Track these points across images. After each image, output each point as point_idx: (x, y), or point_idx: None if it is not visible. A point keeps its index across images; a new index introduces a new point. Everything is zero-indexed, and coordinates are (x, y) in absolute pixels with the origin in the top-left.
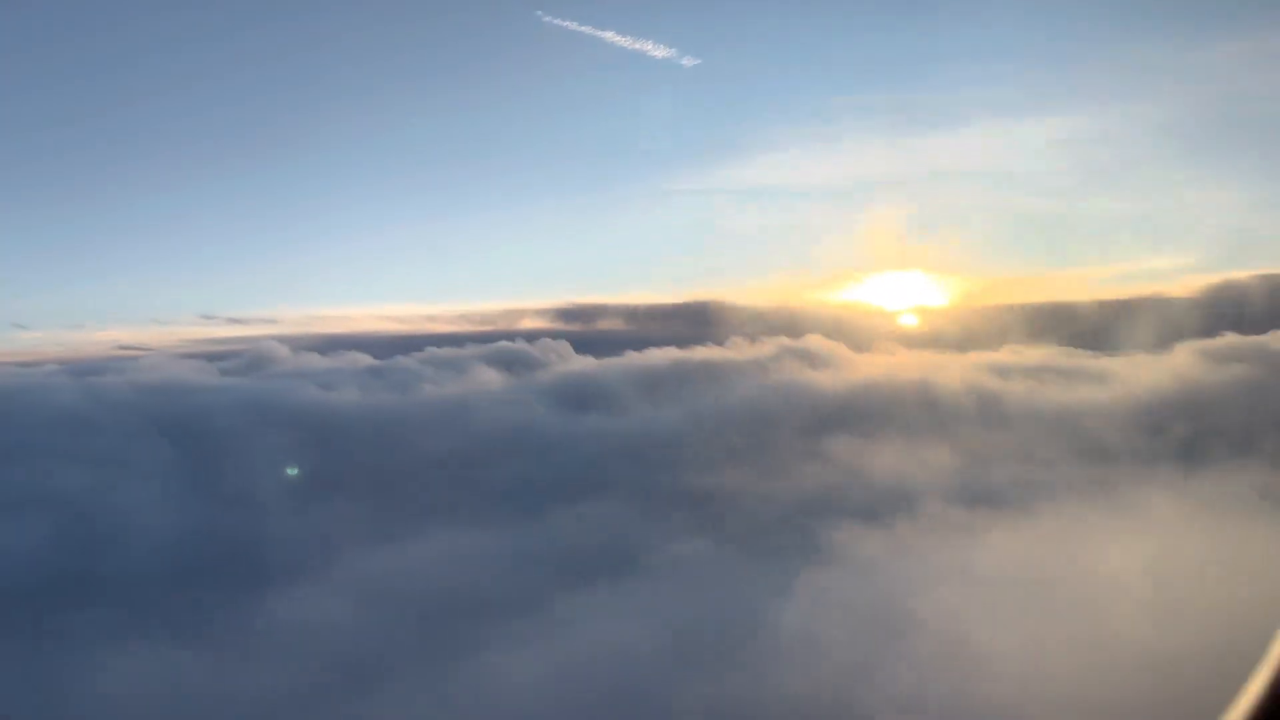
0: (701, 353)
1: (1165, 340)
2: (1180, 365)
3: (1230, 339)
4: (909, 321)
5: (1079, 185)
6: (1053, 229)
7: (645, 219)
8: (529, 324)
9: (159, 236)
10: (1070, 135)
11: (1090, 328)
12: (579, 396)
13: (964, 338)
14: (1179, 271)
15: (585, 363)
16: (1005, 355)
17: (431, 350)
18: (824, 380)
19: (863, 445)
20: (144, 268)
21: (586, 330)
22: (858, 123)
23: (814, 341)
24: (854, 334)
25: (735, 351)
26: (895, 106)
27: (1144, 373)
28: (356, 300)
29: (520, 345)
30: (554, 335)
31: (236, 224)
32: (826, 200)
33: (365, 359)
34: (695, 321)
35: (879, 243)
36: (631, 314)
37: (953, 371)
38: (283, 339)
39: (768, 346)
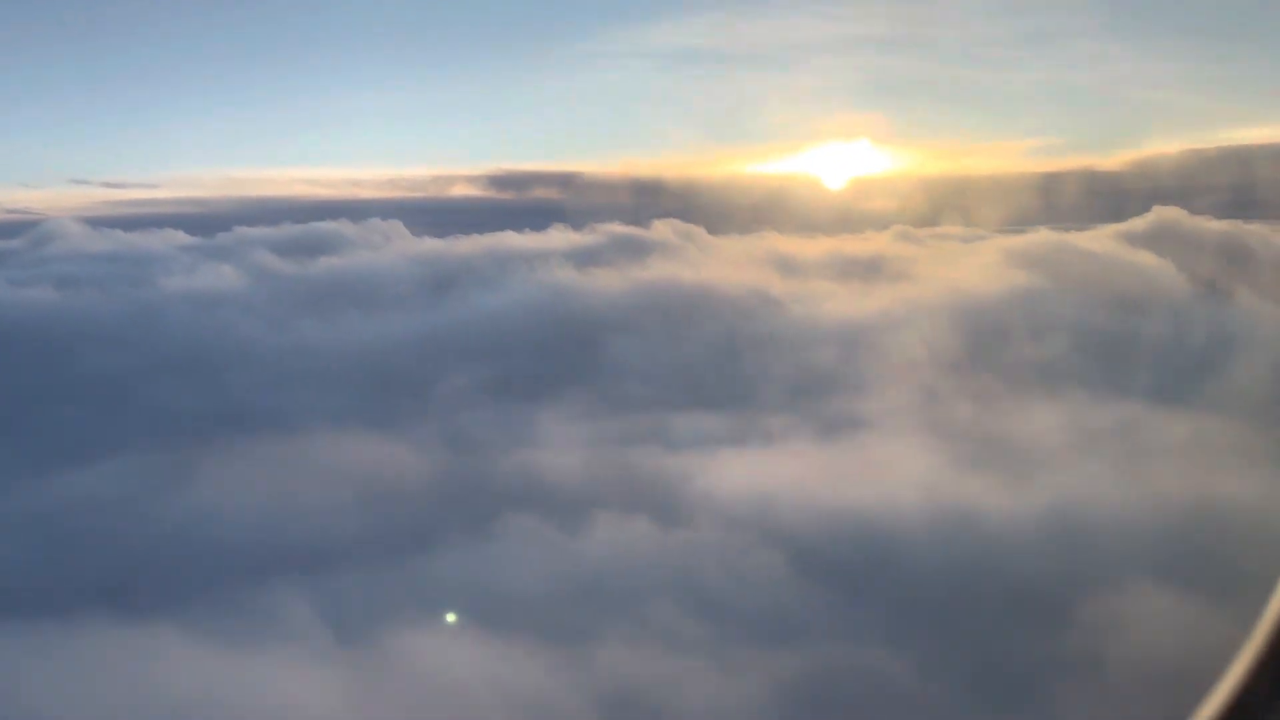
0: (533, 240)
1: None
2: (975, 264)
3: (1042, 234)
4: (825, 197)
5: (1013, 55)
6: (990, 98)
7: (569, 83)
8: (460, 191)
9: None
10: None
11: (990, 203)
12: (326, 298)
13: (860, 217)
14: (1106, 145)
15: (404, 249)
16: (873, 240)
17: (241, 230)
18: (597, 282)
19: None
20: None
21: (520, 199)
22: None
23: (665, 227)
24: (737, 214)
25: (566, 237)
26: None
27: (941, 270)
28: (284, 163)
29: (342, 225)
30: (485, 203)
31: (156, 83)
32: (758, 66)
33: (180, 238)
34: (617, 194)
35: (816, 112)
36: (566, 182)
37: (759, 270)
38: (164, 202)
39: (599, 234)
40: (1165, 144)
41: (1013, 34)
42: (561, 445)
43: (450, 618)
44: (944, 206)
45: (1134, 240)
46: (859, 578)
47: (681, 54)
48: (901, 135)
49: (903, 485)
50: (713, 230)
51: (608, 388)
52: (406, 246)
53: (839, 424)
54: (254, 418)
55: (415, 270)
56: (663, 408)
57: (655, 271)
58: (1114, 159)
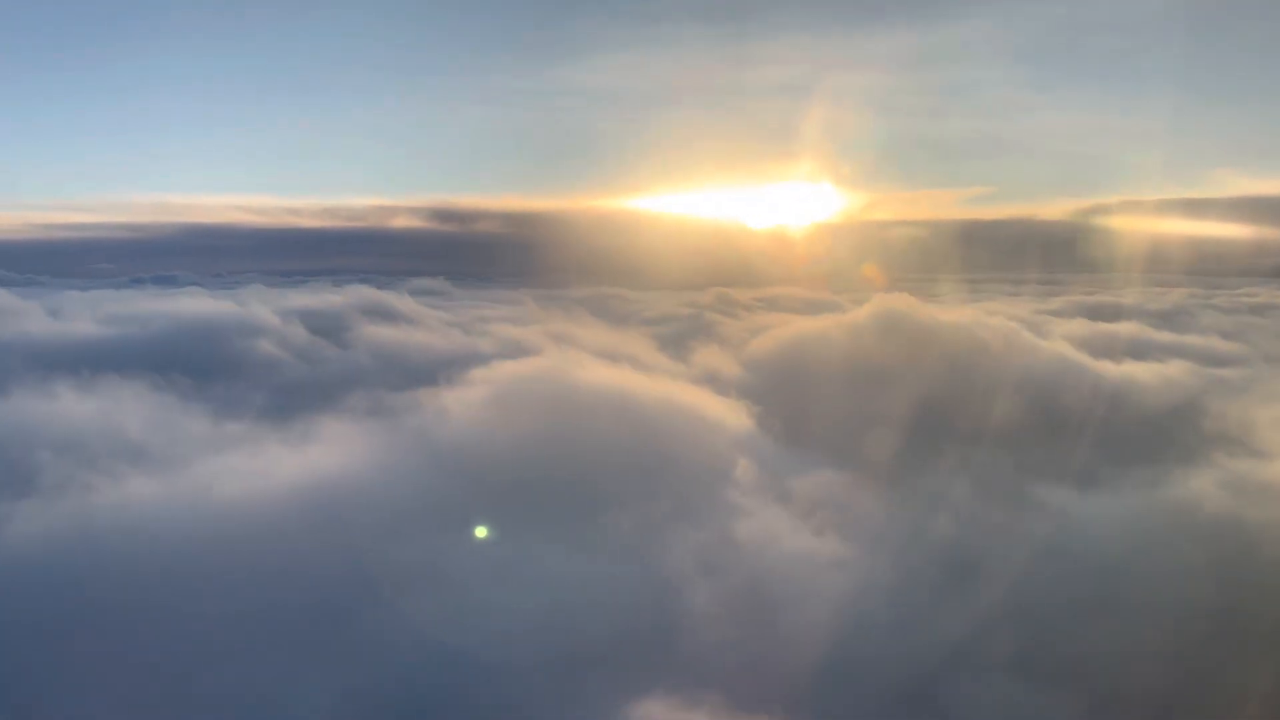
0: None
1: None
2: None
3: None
4: (722, 245)
5: (922, 103)
6: (893, 148)
7: (486, 118)
8: (402, 223)
9: None
10: (915, 51)
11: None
12: None
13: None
14: (1043, 195)
15: None
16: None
17: None
18: None
19: None
20: None
21: (463, 231)
22: (686, 28)
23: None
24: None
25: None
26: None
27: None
28: (220, 190)
29: None
30: (427, 234)
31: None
32: (666, 106)
33: None
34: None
35: (747, 155)
36: (508, 219)
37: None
38: None
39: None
40: (1105, 196)
41: (922, 83)
42: None
43: None
44: (838, 260)
45: (858, 332)
46: None
47: (592, 93)
48: (846, 183)
49: None
50: (480, 284)
51: None
52: None
53: None
54: None
55: None
56: None
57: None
58: (1051, 209)
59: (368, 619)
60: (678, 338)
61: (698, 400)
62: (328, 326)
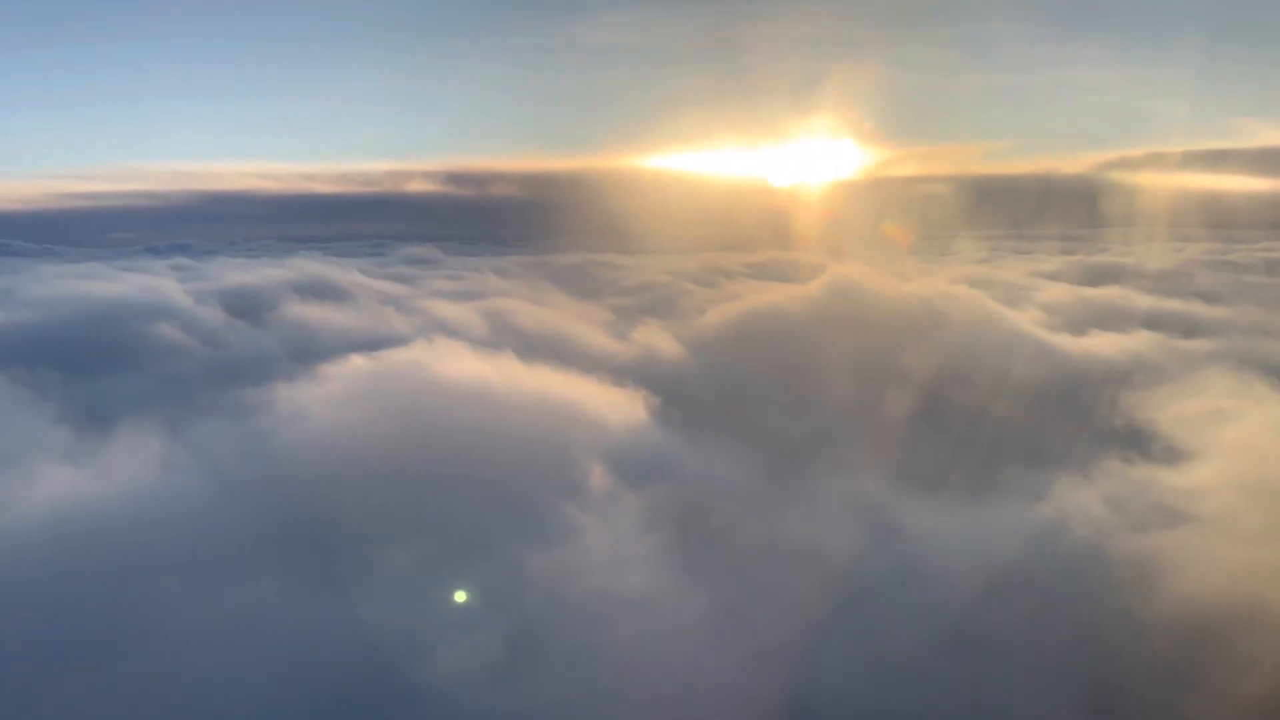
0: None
1: None
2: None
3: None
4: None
5: (942, 55)
6: (914, 102)
7: (489, 78)
8: (417, 187)
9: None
10: (934, 1)
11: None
12: None
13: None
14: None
15: None
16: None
17: None
18: None
19: None
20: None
21: (478, 195)
22: None
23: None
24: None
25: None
26: None
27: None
28: (233, 156)
29: None
30: (442, 198)
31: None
32: (680, 63)
33: None
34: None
35: (739, 113)
36: (524, 180)
37: None
38: None
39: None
40: (1128, 148)
41: (943, 37)
42: None
43: None
44: (837, 221)
45: (805, 308)
46: None
47: (596, 50)
48: (867, 139)
49: None
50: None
51: None
52: None
53: None
54: None
55: None
56: None
57: None
58: (1074, 162)
59: (52, 684)
60: (639, 311)
61: (585, 394)
62: (250, 306)
